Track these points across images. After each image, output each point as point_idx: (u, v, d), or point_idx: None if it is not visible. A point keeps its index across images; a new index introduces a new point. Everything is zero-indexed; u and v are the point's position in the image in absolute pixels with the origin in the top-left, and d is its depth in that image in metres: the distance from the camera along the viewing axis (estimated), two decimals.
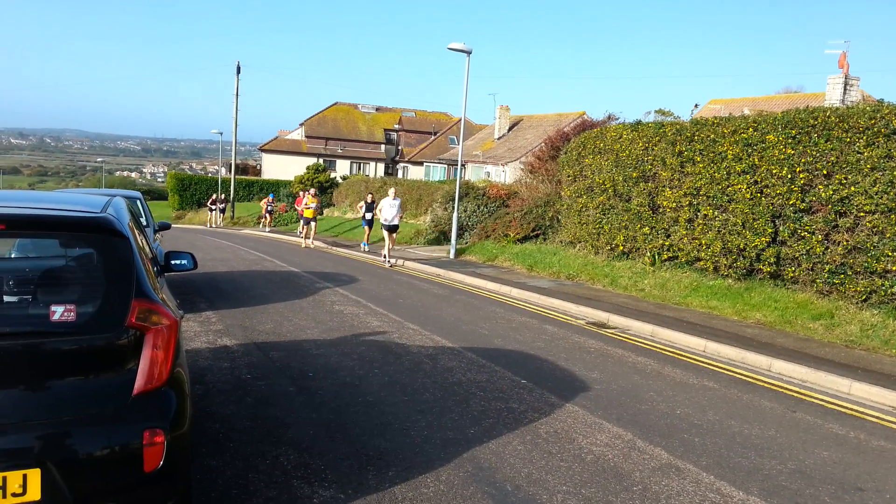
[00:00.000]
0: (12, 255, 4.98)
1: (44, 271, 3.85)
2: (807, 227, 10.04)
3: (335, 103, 62.85)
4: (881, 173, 9.07)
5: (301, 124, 59.90)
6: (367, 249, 19.90)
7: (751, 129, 10.99)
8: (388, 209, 16.76)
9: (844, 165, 9.54)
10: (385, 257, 16.94)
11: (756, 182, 10.83)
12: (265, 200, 33.67)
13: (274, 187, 51.25)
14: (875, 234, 9.17)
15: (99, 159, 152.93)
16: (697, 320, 10.09)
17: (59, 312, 3.03)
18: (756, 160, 10.81)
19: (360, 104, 64.07)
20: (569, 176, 16.00)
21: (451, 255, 18.14)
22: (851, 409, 6.50)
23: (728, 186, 11.29)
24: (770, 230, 10.59)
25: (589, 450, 5.03)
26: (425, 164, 49.51)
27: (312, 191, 24.02)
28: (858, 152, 9.36)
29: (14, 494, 2.77)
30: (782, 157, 10.36)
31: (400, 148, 60.06)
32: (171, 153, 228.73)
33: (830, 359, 8.03)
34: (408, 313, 10.14)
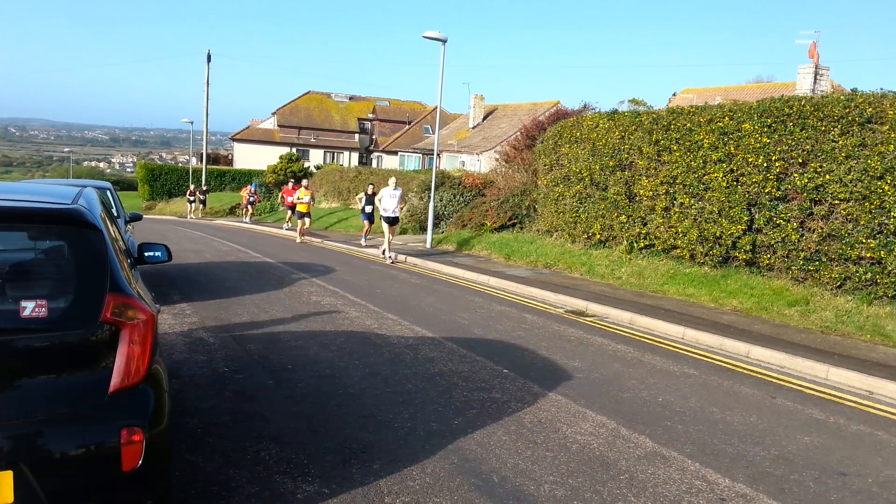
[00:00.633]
0: None
1: (12, 266, 3.69)
2: (782, 215, 10.13)
3: (308, 92, 62.21)
4: (855, 161, 9.16)
5: (273, 113, 59.22)
6: (364, 244, 18.71)
7: (727, 118, 11.04)
8: (388, 199, 15.62)
9: (819, 154, 9.62)
10: (385, 252, 15.83)
11: (732, 170, 10.89)
12: (246, 190, 32.11)
13: (246, 177, 50.62)
14: (849, 222, 9.27)
15: (66, 149, 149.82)
16: (675, 308, 10.14)
17: (29, 308, 2.90)
18: (732, 149, 10.87)
19: (334, 93, 63.49)
20: (545, 165, 15.98)
21: (428, 245, 18.06)
22: (830, 394, 6.56)
23: (704, 175, 11.35)
24: (746, 218, 10.67)
25: (574, 439, 5.00)
26: (400, 153, 49.27)
27: (305, 182, 22.13)
28: (833, 141, 9.45)
29: None
30: (758, 145, 10.43)
31: (374, 137, 59.70)
32: (141, 143, 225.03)
33: (807, 344, 8.12)
34: (386, 303, 10.04)
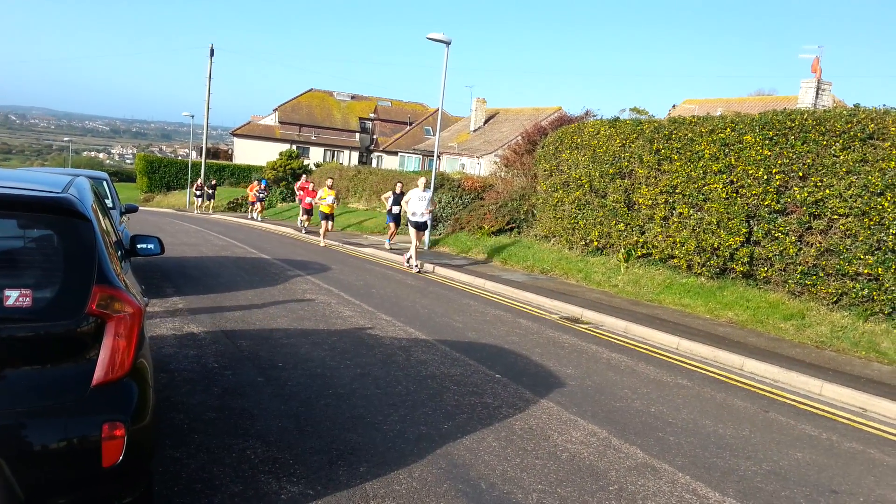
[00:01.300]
0: None
1: None
2: (781, 228, 10.09)
3: (310, 90, 62.13)
4: (856, 177, 9.13)
5: (275, 110, 59.11)
6: (390, 247, 17.28)
7: (728, 129, 11.00)
8: (416, 202, 14.18)
9: (820, 168, 9.59)
10: (410, 261, 14.30)
11: (732, 182, 10.86)
12: (254, 186, 30.07)
13: (246, 172, 50.62)
14: (848, 237, 9.24)
15: (66, 139, 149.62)
16: (670, 318, 10.10)
17: (13, 297, 2.84)
18: (733, 160, 10.83)
19: (336, 91, 63.42)
20: (545, 170, 15.94)
21: (425, 247, 18.00)
22: (823, 410, 6.52)
23: (704, 185, 11.31)
24: (744, 230, 10.63)
25: (564, 447, 4.95)
26: (400, 154, 49.23)
27: (329, 181, 19.80)
28: (834, 155, 9.41)
29: None
30: (759, 157, 10.40)
31: (375, 137, 59.62)
32: (141, 135, 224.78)
33: (801, 359, 8.07)
34: (381, 304, 9.99)
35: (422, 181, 14.56)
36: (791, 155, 9.96)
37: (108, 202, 10.23)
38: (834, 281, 9.46)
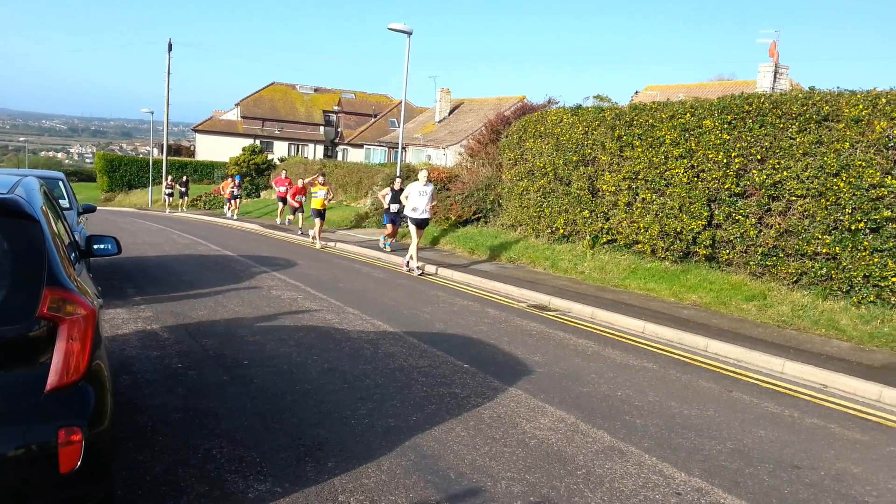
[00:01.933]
0: None
1: None
2: (741, 211, 10.26)
3: (272, 83, 61.43)
4: (812, 158, 9.31)
5: (237, 104, 58.37)
6: (388, 249, 15.92)
7: (688, 115, 11.13)
8: (417, 197, 12.86)
9: (777, 151, 9.76)
10: (410, 262, 13.15)
11: (693, 166, 11.00)
12: (228, 184, 28.58)
13: (209, 169, 49.90)
14: (806, 218, 9.43)
15: (22, 139, 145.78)
16: (636, 302, 10.21)
17: None
18: (693, 145, 10.97)
19: (299, 84, 62.79)
20: (510, 159, 15.98)
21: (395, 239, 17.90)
22: (785, 388, 6.66)
23: (666, 171, 11.44)
24: (706, 214, 10.79)
25: (532, 434, 4.97)
26: (365, 146, 48.95)
27: (321, 178, 18.25)
28: (791, 138, 9.59)
29: None
30: (718, 142, 10.54)
31: (339, 130, 59.21)
32: (100, 133, 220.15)
33: (764, 339, 8.23)
34: (348, 298, 9.93)
35: (422, 174, 13.08)
36: (749, 138, 10.12)
37: (64, 202, 10.00)
38: (793, 261, 9.65)
